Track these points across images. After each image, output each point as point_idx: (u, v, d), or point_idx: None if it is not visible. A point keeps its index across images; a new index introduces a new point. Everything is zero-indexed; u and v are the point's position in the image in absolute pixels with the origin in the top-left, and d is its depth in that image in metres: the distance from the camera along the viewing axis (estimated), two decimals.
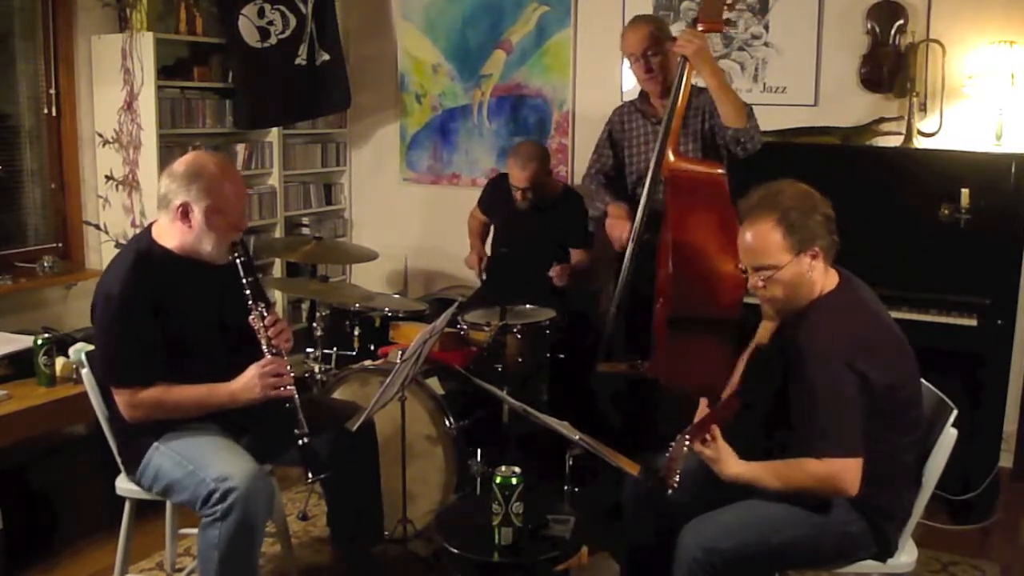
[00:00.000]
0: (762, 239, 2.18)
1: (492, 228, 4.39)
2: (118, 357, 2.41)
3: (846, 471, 2.08)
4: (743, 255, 2.25)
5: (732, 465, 2.16)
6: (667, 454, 2.15)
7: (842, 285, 2.24)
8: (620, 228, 3.36)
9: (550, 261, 4.06)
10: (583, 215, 4.09)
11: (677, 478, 2.08)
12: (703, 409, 2.29)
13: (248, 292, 2.47)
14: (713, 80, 3.12)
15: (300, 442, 2.43)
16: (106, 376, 2.47)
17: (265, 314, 2.48)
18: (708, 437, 2.15)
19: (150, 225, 2.56)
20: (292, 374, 2.48)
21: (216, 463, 2.36)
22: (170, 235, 2.48)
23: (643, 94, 3.54)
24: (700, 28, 3.12)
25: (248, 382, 2.42)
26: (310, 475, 2.46)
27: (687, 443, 2.12)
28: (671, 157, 3.16)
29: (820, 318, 2.17)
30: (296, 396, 2.45)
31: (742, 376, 2.48)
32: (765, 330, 2.53)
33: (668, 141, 3.16)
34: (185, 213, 2.42)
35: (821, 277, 2.21)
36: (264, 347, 2.45)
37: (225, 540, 2.29)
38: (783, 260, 2.16)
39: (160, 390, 2.40)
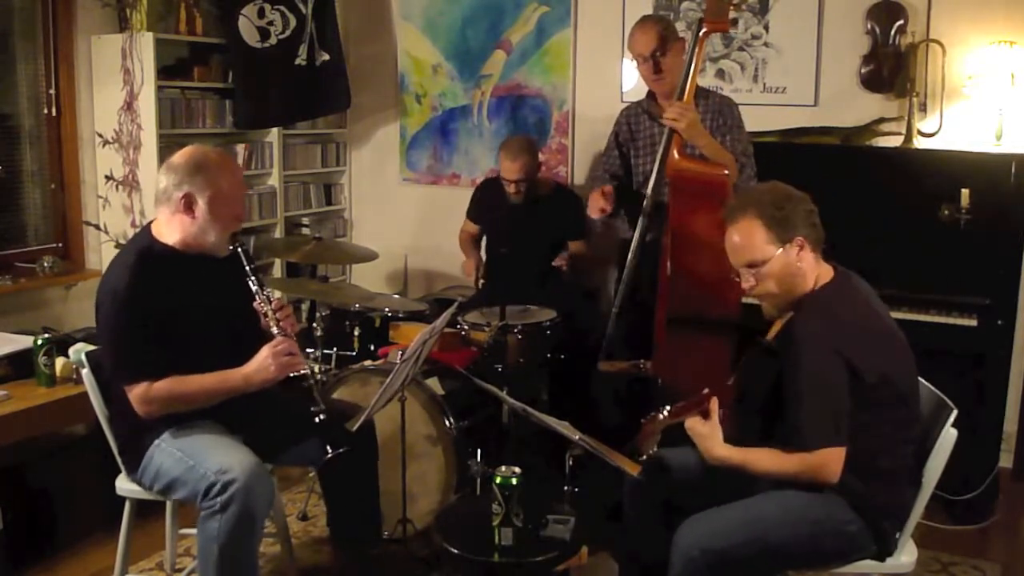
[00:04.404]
0: (746, 236, 2.23)
1: (485, 232, 4.38)
2: (127, 353, 2.41)
3: (830, 460, 2.11)
4: (732, 257, 2.29)
5: (719, 447, 2.19)
6: (642, 420, 2.22)
7: (837, 278, 2.27)
8: (596, 196, 3.37)
9: (548, 258, 4.05)
10: (579, 209, 4.10)
11: (654, 449, 2.14)
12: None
13: (253, 278, 2.48)
14: (707, 150, 3.16)
15: (317, 419, 2.43)
16: (117, 374, 2.46)
17: (271, 298, 2.49)
18: (707, 411, 2.18)
19: (148, 224, 2.56)
20: (304, 355, 2.50)
21: (216, 456, 2.37)
22: (171, 230, 2.49)
23: (650, 95, 3.53)
24: (705, 28, 3.13)
25: (262, 363, 2.42)
26: (329, 450, 2.44)
27: (664, 414, 2.18)
28: (676, 156, 3.16)
29: (812, 309, 2.21)
30: (311, 372, 2.45)
31: (740, 370, 2.49)
32: (774, 330, 2.54)
33: (673, 141, 3.16)
34: (188, 204, 2.43)
35: (812, 269, 2.24)
36: (274, 328, 2.46)
37: (225, 532, 2.30)
38: (769, 253, 2.21)
39: (172, 381, 2.40)
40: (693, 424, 2.19)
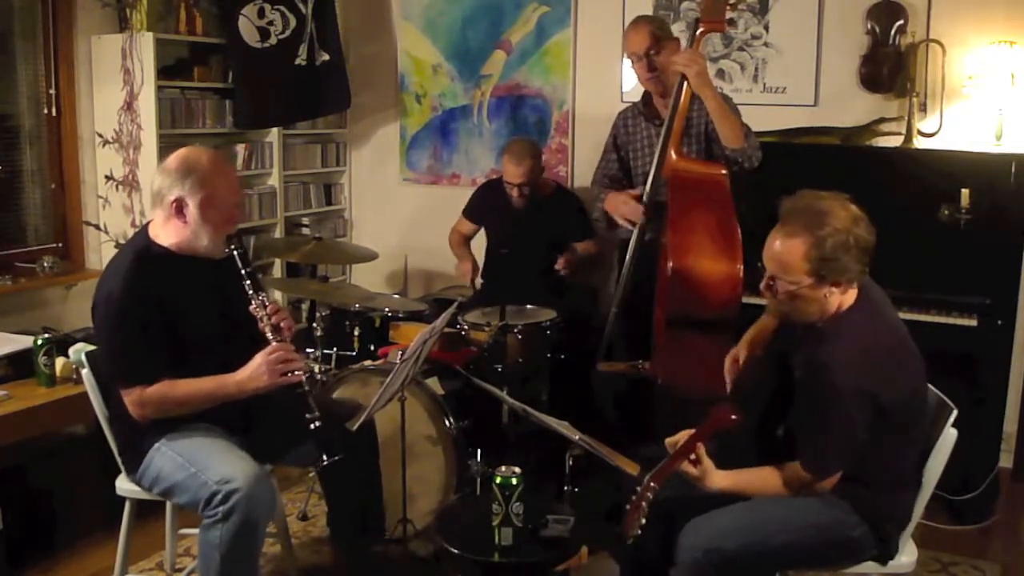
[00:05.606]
0: (790, 256, 2.13)
1: (486, 233, 4.38)
2: (122, 357, 2.41)
3: (828, 483, 2.16)
4: (766, 256, 2.20)
5: (717, 480, 2.17)
6: (628, 505, 2.13)
7: (861, 298, 2.20)
8: (621, 203, 3.35)
9: (548, 259, 4.06)
10: (580, 210, 4.10)
11: (641, 525, 2.08)
12: (671, 443, 2.22)
13: (248, 282, 2.47)
14: (713, 103, 3.13)
15: (312, 426, 2.41)
16: (111, 377, 2.47)
17: (266, 302, 2.48)
18: (694, 457, 2.13)
19: (146, 225, 2.56)
20: (301, 359, 2.47)
21: (218, 465, 2.35)
22: (166, 232, 2.48)
23: (646, 96, 3.54)
24: (702, 28, 3.13)
25: (255, 370, 2.41)
26: (324, 457, 2.43)
27: (652, 489, 2.10)
28: (673, 156, 3.16)
29: (843, 341, 2.12)
30: (305, 380, 2.44)
31: (735, 385, 2.48)
32: (763, 328, 2.52)
33: (670, 141, 3.16)
34: (180, 208, 2.43)
35: (837, 298, 2.16)
36: (269, 334, 2.45)
37: (227, 541, 2.29)
38: (803, 281, 2.12)
39: (166, 385, 2.39)
40: (686, 468, 2.15)
